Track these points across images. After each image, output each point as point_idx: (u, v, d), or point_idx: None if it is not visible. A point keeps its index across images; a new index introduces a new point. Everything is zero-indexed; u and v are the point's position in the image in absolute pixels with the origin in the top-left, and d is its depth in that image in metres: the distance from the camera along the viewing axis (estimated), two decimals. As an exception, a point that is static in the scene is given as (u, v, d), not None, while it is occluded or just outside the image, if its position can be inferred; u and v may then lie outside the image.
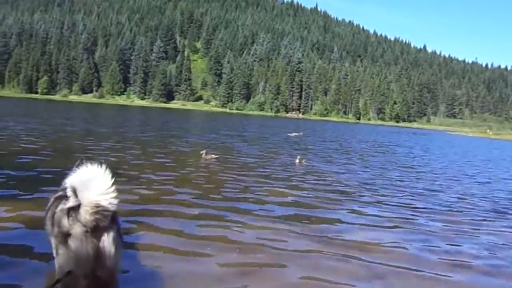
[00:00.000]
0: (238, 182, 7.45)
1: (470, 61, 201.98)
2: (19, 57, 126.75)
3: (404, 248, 4.49)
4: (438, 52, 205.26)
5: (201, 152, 10.66)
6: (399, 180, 9.96)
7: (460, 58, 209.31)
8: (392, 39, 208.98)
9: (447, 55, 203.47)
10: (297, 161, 11.58)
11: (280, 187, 7.35)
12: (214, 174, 8.11)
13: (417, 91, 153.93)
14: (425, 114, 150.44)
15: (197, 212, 5.08)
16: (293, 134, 26.72)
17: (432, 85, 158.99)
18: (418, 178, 10.68)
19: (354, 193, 7.50)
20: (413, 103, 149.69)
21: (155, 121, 30.64)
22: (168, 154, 10.82)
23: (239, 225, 4.63)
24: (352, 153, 16.67)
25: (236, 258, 3.63)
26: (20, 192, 5.21)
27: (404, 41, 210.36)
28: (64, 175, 3.02)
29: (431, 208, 6.76)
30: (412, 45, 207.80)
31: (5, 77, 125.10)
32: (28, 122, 18.30)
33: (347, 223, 5.33)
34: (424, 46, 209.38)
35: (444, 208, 6.92)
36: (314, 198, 6.65)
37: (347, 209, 6.12)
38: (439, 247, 4.60)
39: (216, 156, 10.66)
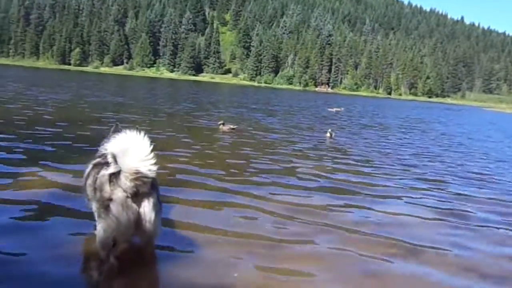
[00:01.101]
0: (263, 156, 7.33)
1: (511, 34, 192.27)
2: (53, 29, 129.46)
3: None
4: (476, 24, 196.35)
5: (219, 123, 10.71)
6: (438, 161, 9.05)
7: (500, 30, 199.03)
8: (428, 10, 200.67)
9: (486, 27, 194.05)
10: (328, 135, 11.19)
11: (309, 163, 7.19)
12: (237, 148, 8.02)
13: (452, 65, 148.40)
14: (459, 90, 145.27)
15: (221, 186, 5.06)
16: (334, 109, 25.49)
17: (468, 59, 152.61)
18: (461, 159, 9.80)
19: (394, 173, 7.04)
20: (448, 77, 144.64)
21: (182, 94, 30.84)
22: (192, 128, 10.78)
23: (265, 201, 4.61)
24: (391, 129, 16.08)
25: (267, 232, 3.65)
26: (50, 162, 5.42)
27: (440, 12, 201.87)
28: (95, 142, 3.21)
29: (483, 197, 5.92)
30: (448, 17, 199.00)
31: (39, 49, 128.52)
32: (60, 92, 18.91)
33: (381, 201, 5.11)
34: (462, 18, 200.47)
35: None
36: (346, 175, 6.44)
37: (381, 188, 5.78)
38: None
39: (234, 127, 10.68)
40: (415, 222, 4.43)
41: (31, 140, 6.79)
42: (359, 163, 7.64)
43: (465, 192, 6.08)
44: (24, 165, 5.10)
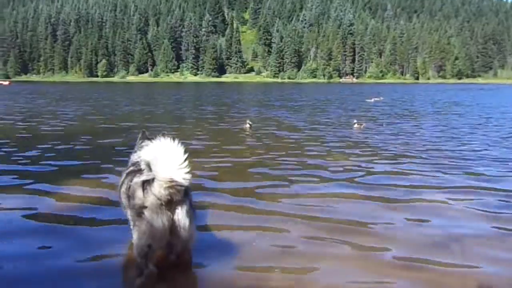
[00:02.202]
0: (290, 158, 6.96)
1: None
2: (79, 43, 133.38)
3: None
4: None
5: (245, 125, 10.67)
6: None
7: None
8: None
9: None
10: (356, 125, 10.81)
11: (342, 162, 6.68)
12: (264, 150, 7.72)
13: (481, 43, 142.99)
14: (491, 68, 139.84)
15: (253, 185, 5.07)
16: (373, 99, 24.43)
17: (498, 36, 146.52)
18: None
19: (441, 169, 6.11)
20: (477, 57, 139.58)
21: (207, 97, 30.91)
22: (217, 131, 10.62)
23: (298, 209, 4.32)
24: (426, 117, 15.03)
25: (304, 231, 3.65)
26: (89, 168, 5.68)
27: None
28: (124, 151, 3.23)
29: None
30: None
31: (68, 63, 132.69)
32: (87, 105, 19.50)
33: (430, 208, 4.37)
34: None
35: None
36: (380, 176, 5.72)
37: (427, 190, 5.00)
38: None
39: (251, 123, 10.66)
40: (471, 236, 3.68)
41: (63, 153, 7.08)
42: (396, 158, 6.94)
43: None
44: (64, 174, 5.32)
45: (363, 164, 6.43)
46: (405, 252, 3.23)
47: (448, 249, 3.31)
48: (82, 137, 8.97)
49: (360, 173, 5.81)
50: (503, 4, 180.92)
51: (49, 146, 7.76)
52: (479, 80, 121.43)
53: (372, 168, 6.20)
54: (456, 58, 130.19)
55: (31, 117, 13.38)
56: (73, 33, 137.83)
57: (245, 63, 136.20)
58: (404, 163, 6.58)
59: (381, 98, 25.65)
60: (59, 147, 7.71)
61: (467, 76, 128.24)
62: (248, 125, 10.56)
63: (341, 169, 6.12)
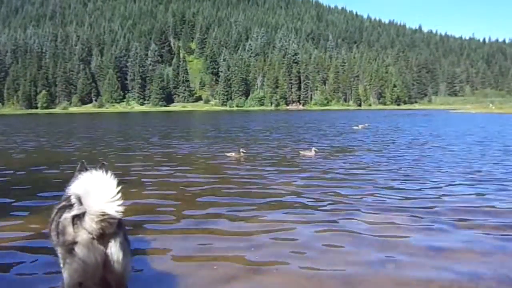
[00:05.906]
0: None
1: (467, 37, 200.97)
2: (16, 74, 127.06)
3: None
4: (434, 31, 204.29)
5: (228, 154, 10.42)
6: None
7: (457, 35, 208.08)
8: (387, 22, 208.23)
9: (443, 33, 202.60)
10: (313, 153, 10.48)
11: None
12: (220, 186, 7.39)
13: (416, 72, 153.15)
14: (425, 95, 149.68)
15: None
16: (360, 126, 23.92)
17: (430, 65, 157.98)
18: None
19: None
20: (413, 84, 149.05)
21: (154, 127, 29.46)
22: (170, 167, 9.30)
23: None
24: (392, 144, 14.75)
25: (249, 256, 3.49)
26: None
27: (398, 23, 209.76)
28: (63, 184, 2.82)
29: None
30: (407, 27, 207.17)
31: (3, 95, 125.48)
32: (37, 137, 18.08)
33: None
34: (420, 27, 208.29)
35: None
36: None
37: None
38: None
39: (245, 152, 10.43)
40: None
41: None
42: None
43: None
44: None
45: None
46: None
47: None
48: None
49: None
50: (433, 36, 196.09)
51: None
52: (416, 106, 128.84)
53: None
54: (394, 86, 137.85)
55: None
56: (9, 64, 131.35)
57: (193, 92, 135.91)
58: None
59: (366, 125, 25.50)
60: None
61: (405, 103, 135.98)
62: (241, 153, 10.21)
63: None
